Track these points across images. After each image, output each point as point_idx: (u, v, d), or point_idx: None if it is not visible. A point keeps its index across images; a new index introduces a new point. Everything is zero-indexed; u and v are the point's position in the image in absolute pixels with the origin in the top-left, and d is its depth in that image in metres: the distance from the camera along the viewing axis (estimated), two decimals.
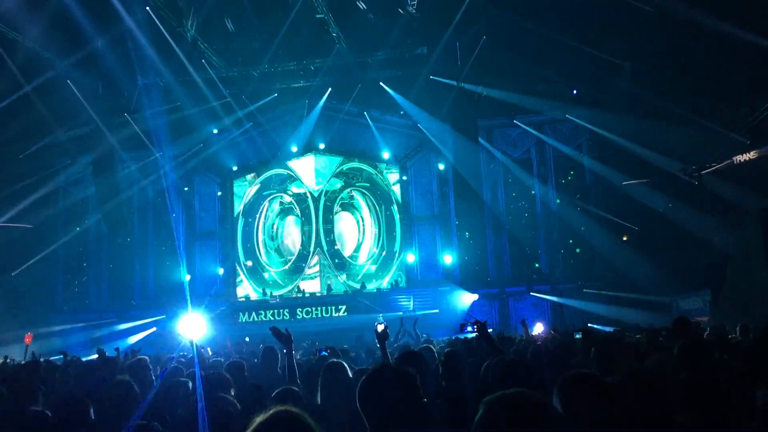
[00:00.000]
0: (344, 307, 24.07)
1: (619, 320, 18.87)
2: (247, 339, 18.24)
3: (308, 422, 2.12)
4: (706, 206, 19.32)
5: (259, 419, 2.12)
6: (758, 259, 16.46)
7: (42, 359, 10.53)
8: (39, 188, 24.61)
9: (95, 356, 9.97)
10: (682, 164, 20.19)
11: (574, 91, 23.46)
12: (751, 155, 18.29)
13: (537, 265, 25.23)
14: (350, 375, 4.62)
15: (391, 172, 27.64)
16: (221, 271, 27.84)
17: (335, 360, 5.08)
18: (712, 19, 16.17)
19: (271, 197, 28.42)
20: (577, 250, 25.34)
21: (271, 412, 2.14)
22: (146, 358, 6.87)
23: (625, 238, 23.36)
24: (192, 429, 3.68)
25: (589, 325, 14.90)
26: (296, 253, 27.63)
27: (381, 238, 27.34)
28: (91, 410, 3.84)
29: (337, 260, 27.25)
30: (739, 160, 18.69)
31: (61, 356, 11.15)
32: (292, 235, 28.11)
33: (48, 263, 25.77)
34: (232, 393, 4.63)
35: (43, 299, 25.85)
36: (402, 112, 25.57)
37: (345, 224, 27.79)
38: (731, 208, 18.82)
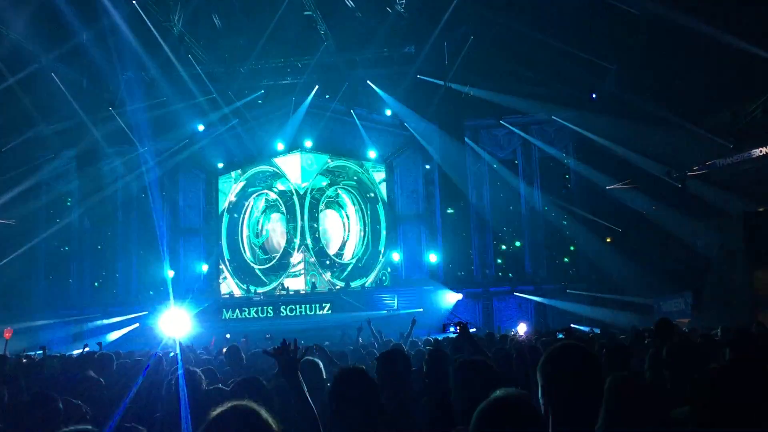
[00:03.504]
0: (328, 305, 24.02)
1: (601, 321, 19.01)
2: (227, 336, 18.17)
3: (264, 417, 2.10)
4: (689, 209, 19.47)
5: (214, 413, 2.09)
6: (740, 262, 16.64)
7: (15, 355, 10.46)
8: (21, 182, 24.36)
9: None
10: (666, 167, 20.36)
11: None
12: (746, 156, 18.39)
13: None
14: (323, 374, 4.64)
15: (377, 171, 27.63)
16: (205, 267, 27.68)
17: (309, 358, 5.08)
18: (698, 23, 16.30)
19: (256, 194, 28.31)
20: (563, 252, 25.46)
21: (228, 405, 2.11)
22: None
23: (609, 240, 23.52)
24: (175, 427, 3.66)
25: (571, 325, 14.96)
26: (281, 251, 27.55)
27: (366, 237, 27.33)
28: (60, 406, 3.79)
29: (321, 258, 27.20)
30: (722, 164, 18.88)
31: (41, 351, 11.07)
32: (277, 232, 28.02)
33: (29, 258, 25.50)
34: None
35: (24, 294, 25.61)
36: (389, 111, 25.56)
37: (330, 222, 27.75)
38: (714, 211, 18.98)
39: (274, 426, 2.10)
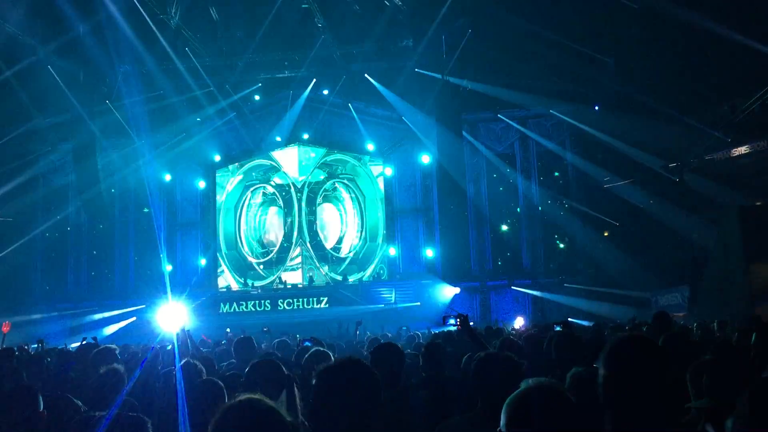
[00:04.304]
0: (326, 299, 24.03)
1: (598, 315, 19.05)
2: (228, 330, 18.13)
3: (275, 409, 2.04)
4: (687, 203, 19.51)
5: (225, 406, 2.01)
6: (736, 256, 16.66)
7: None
8: (18, 175, 24.32)
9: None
10: (664, 161, 20.38)
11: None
12: (744, 150, 18.43)
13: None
14: None
15: (374, 165, 27.60)
16: (203, 261, 27.66)
17: (320, 349, 5.08)
18: (696, 16, 16.28)
19: (253, 188, 28.28)
20: (560, 245, 25.48)
21: (239, 399, 2.03)
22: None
23: (606, 234, 23.54)
24: (172, 417, 3.65)
25: (569, 319, 14.98)
26: (278, 245, 27.53)
27: (363, 231, 27.32)
28: (40, 401, 3.75)
29: (319, 252, 27.18)
30: (719, 158, 18.90)
31: (38, 344, 11.06)
32: (274, 226, 28.01)
33: (26, 251, 25.47)
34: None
35: (21, 288, 25.58)
36: (386, 105, 25.49)
37: (328, 216, 27.73)
38: (711, 205, 19.01)
39: (288, 420, 2.03)
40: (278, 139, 27.10)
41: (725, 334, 8.39)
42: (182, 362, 4.65)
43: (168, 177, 27.61)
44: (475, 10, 21.38)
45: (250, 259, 27.81)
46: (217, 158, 28.11)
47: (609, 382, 2.42)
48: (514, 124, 25.35)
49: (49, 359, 8.40)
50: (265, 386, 3.62)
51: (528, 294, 24.11)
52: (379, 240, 27.09)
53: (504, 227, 25.51)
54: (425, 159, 26.28)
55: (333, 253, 27.33)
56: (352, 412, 2.49)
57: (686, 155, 19.97)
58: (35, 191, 26.07)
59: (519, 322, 18.44)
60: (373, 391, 2.60)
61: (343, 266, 27.09)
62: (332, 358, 4.66)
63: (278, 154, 27.80)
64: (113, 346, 7.54)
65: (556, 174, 25.74)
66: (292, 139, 27.33)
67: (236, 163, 28.42)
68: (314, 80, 25.30)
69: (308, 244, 27.16)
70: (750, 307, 14.62)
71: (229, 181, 28.43)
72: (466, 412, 3.32)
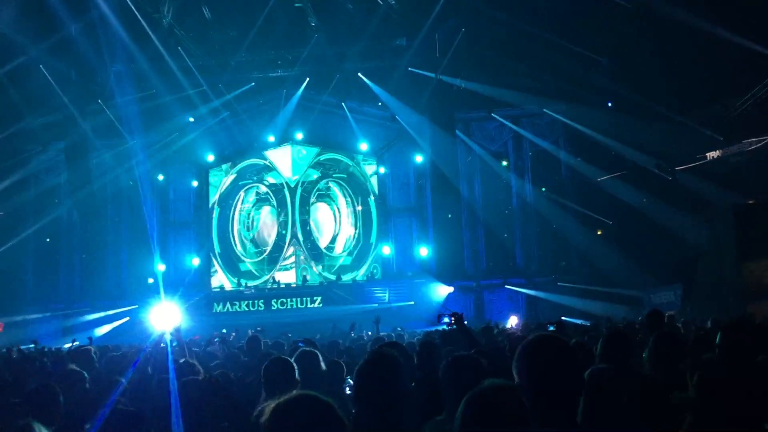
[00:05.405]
0: (319, 299, 24.04)
1: (592, 313, 19.07)
2: (224, 331, 18.07)
3: (331, 404, 2.02)
4: (680, 202, 19.54)
5: (277, 402, 2.00)
6: (729, 254, 16.74)
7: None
8: (9, 175, 24.18)
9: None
10: (657, 160, 20.42)
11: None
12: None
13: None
14: (323, 366, 4.64)
15: (368, 164, 27.58)
16: (196, 261, 27.56)
17: (308, 349, 5.06)
18: (689, 16, 16.32)
19: (247, 187, 28.22)
20: (554, 244, 25.49)
21: (292, 395, 2.02)
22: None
23: (599, 233, 23.58)
24: (166, 414, 3.64)
25: (563, 318, 15.00)
26: (272, 244, 27.49)
27: (357, 230, 27.30)
28: (61, 399, 3.75)
29: (312, 251, 27.15)
30: (712, 157, 18.97)
31: (32, 345, 11.02)
32: (267, 225, 27.95)
33: (18, 251, 25.28)
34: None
35: (13, 288, 25.38)
36: (380, 104, 25.48)
37: (321, 215, 27.70)
38: (704, 204, 19.07)
39: (341, 415, 2.02)
40: (271, 138, 27.04)
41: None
42: (181, 361, 4.63)
43: (161, 177, 27.53)
44: (469, 9, 21.39)
45: (244, 258, 27.76)
46: (210, 158, 28.04)
47: (526, 387, 2.46)
48: (508, 123, 25.36)
49: (45, 359, 8.38)
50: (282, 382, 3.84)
51: (522, 293, 24.10)
52: (373, 239, 27.08)
53: (497, 226, 25.48)
54: (419, 158, 26.27)
55: (326, 252, 27.31)
56: (385, 395, 3.11)
57: (679, 154, 20.02)
58: (27, 191, 25.90)
59: (513, 321, 18.46)
60: (400, 378, 3.25)
61: (337, 265, 27.07)
62: (319, 357, 4.69)
63: (271, 154, 27.76)
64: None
65: (550, 173, 25.71)
66: (285, 139, 27.29)
67: (229, 163, 28.37)
68: (307, 79, 25.22)
69: (302, 244, 27.13)
70: (743, 305, 14.69)
71: (223, 181, 28.36)
72: (439, 413, 3.36)
